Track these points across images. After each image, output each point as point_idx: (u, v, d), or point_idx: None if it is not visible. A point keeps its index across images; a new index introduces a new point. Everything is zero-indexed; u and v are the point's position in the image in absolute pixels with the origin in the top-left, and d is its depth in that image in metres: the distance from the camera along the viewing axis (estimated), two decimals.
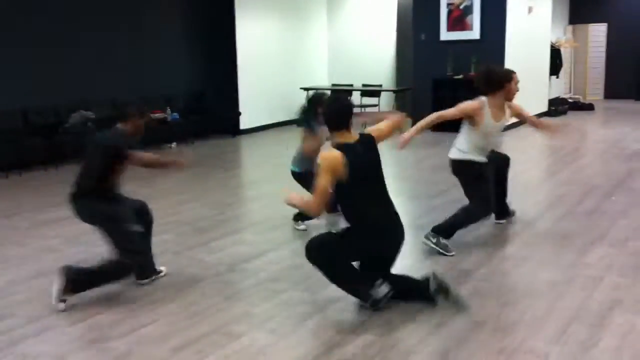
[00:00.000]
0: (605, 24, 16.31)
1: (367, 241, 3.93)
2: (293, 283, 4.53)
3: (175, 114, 11.00)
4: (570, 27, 16.53)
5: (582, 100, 15.37)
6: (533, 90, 13.06)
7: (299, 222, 5.92)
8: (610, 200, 6.52)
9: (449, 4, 11.86)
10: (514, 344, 3.50)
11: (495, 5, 11.47)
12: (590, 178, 7.57)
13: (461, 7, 11.79)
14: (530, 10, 12.42)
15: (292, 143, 11.32)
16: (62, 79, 9.54)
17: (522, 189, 7.05)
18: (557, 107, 13.69)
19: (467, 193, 5.28)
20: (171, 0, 11.35)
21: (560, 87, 15.70)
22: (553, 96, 14.56)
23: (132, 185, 5.15)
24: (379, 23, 14.21)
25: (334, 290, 4.33)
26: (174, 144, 10.85)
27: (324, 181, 3.77)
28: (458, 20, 11.77)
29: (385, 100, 13.23)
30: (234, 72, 11.82)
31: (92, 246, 5.22)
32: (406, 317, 3.88)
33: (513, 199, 6.05)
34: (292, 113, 13.08)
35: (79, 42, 9.79)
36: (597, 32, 16.35)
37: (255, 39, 12.28)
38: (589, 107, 14.54)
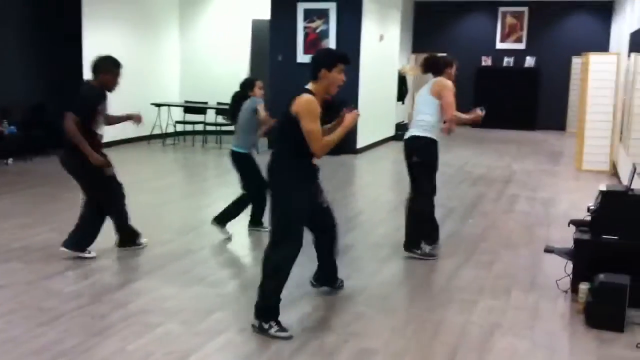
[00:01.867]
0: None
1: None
2: (167, 315, 4.20)
3: (12, 127, 10.08)
4: (413, 56, 17.39)
5: None
6: (383, 115, 13.55)
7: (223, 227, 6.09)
8: (468, 223, 6.81)
9: (305, 27, 11.99)
10: None
11: (350, 31, 11.77)
12: (444, 201, 7.83)
13: (317, 31, 11.96)
14: (381, 38, 12.89)
15: (146, 159, 10.92)
16: None
17: (380, 213, 7.19)
18: (403, 131, 14.24)
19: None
20: (9, 4, 10.43)
21: (404, 113, 16.40)
22: (398, 121, 15.17)
23: None
24: (233, 42, 14.02)
25: (213, 323, 4.11)
26: (10, 160, 9.91)
27: (316, 126, 3.87)
28: (314, 43, 11.90)
29: None
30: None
31: None
32: (297, 348, 3.72)
33: (373, 224, 6.16)
34: (142, 129, 12.58)
35: None
36: None
37: (104, 52, 11.58)
38: None
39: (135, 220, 6.76)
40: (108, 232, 6.29)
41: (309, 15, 11.97)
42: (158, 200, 7.86)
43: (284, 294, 3.97)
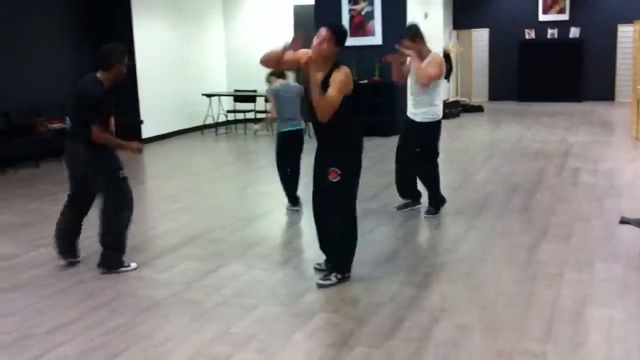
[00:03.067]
0: (487, 29, 17.18)
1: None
2: (261, 298, 4.34)
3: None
4: (455, 32, 17.25)
5: (470, 103, 16.08)
6: None
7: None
8: (536, 198, 6.80)
9: (350, 10, 12.00)
10: (508, 345, 3.54)
11: (395, 11, 11.73)
12: (508, 177, 7.87)
13: (362, 12, 11.96)
14: (426, 15, 12.83)
15: (202, 150, 11.11)
16: None
17: (447, 190, 7.21)
18: (451, 109, 14.21)
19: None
20: (63, 5, 10.65)
21: (449, 91, 16.33)
22: (444, 98, 15.10)
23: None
24: (276, 29, 14.09)
25: (308, 304, 4.22)
26: None
27: (338, 95, 4.32)
28: (360, 26, 11.92)
29: None
30: (133, 79, 11.27)
31: None
32: (392, 326, 3.82)
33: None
34: (194, 120, 12.82)
35: None
36: (480, 37, 17.19)
37: (154, 46, 11.80)
38: (479, 109, 15.21)
39: (205, 210, 6.94)
40: (181, 223, 6.46)
41: None
42: (222, 190, 8.01)
43: (366, 272, 4.05)
